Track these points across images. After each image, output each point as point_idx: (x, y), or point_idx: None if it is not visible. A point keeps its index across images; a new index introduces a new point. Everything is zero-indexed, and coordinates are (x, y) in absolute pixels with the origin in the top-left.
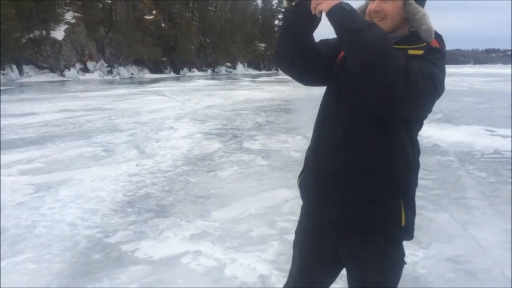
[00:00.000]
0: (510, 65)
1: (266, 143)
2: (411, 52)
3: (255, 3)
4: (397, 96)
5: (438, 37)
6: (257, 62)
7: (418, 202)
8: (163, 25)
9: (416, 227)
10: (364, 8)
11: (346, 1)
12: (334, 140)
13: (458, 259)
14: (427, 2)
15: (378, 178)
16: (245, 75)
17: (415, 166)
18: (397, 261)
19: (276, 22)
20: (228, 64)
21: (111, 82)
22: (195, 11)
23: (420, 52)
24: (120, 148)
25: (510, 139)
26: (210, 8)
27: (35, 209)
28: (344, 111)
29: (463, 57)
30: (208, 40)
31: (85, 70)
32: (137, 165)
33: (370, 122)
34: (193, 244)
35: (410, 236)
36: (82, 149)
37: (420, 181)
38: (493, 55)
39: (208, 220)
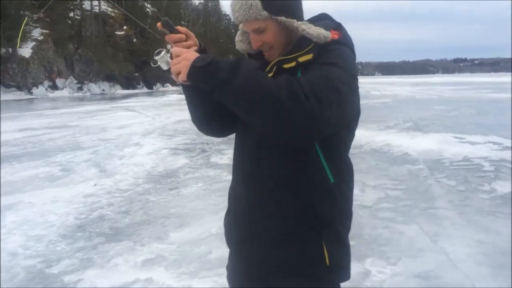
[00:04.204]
0: (477, 74)
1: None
2: (301, 59)
3: (227, 18)
4: (294, 130)
5: (337, 27)
6: None
7: (387, 213)
8: (134, 40)
9: (384, 242)
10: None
11: (201, 55)
12: (245, 175)
13: (427, 275)
14: (402, 14)
15: (294, 211)
16: None
17: (340, 191)
18: None
19: None
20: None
21: (81, 99)
22: None
23: (310, 56)
24: (79, 167)
25: (479, 146)
26: (183, 22)
27: None
28: (249, 142)
29: (432, 67)
30: None
31: (54, 87)
32: (94, 184)
33: (277, 150)
34: (145, 271)
35: (342, 276)
36: (38, 170)
37: (389, 192)
38: (461, 64)
39: (164, 242)
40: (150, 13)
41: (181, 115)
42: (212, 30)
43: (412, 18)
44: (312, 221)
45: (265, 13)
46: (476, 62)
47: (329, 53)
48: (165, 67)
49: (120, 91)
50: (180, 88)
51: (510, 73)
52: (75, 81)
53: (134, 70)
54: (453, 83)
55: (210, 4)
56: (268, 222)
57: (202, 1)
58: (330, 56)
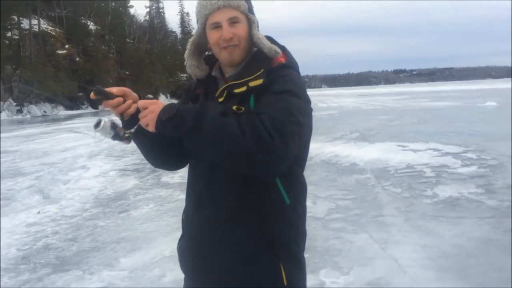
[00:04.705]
0: (416, 84)
1: (186, 175)
2: (252, 84)
3: (174, 34)
4: (262, 168)
5: (282, 50)
6: (180, 93)
7: (338, 224)
8: (77, 59)
9: (336, 252)
10: (200, 39)
11: (167, 105)
12: (198, 199)
13: (379, 281)
14: (346, 28)
15: (250, 234)
16: None
17: (296, 212)
18: None
19: None
20: (150, 96)
21: (20, 122)
22: (112, 44)
23: (260, 81)
24: (21, 195)
25: (421, 153)
26: (128, 40)
27: None
28: (202, 165)
29: (374, 78)
30: (127, 72)
31: None
32: (38, 212)
33: (230, 173)
34: None
35: None
36: None
37: (339, 202)
38: (401, 75)
39: (115, 269)
40: (93, 31)
41: None
42: (158, 47)
43: (355, 31)
44: (269, 243)
45: (246, 5)
46: (415, 72)
47: (281, 79)
48: (108, 136)
49: (63, 112)
50: None
51: (445, 82)
52: (14, 104)
53: (78, 90)
54: (395, 93)
55: (156, 21)
56: (223, 246)
57: (147, 18)
58: (283, 83)
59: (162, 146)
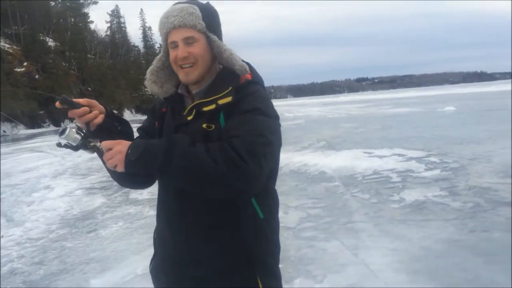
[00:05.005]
0: (378, 91)
1: (155, 191)
2: (220, 101)
3: (136, 48)
4: (238, 192)
5: (248, 65)
6: (145, 107)
7: (310, 232)
8: (37, 76)
9: (309, 261)
10: (163, 59)
11: (132, 143)
12: (171, 217)
13: None
14: (307, 40)
15: (224, 248)
16: (133, 121)
17: (270, 225)
18: None
19: None
20: (114, 111)
21: None
22: (72, 60)
23: (229, 98)
24: None
25: (386, 159)
26: (89, 55)
27: None
28: None
29: (338, 87)
30: (89, 88)
31: None
32: (1, 236)
33: None
34: None
35: None
36: None
37: (310, 211)
38: (363, 83)
39: None
40: (52, 48)
41: None
42: (121, 62)
43: (317, 42)
44: (245, 257)
45: (203, 23)
46: (376, 80)
47: (249, 97)
48: (74, 143)
49: (24, 131)
50: None
51: (406, 89)
52: None
53: (38, 108)
54: (358, 101)
55: (117, 35)
56: (198, 264)
57: (108, 33)
58: (251, 100)
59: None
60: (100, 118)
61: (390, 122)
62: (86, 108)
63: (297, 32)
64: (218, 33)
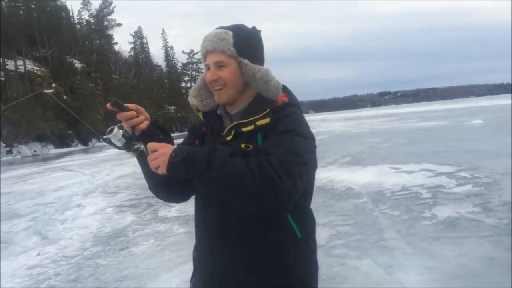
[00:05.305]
0: (402, 105)
1: (183, 208)
2: (259, 123)
3: (159, 68)
4: (272, 208)
5: (284, 88)
6: (169, 126)
7: (341, 250)
8: (65, 97)
9: (342, 279)
10: (205, 78)
11: (176, 148)
12: (211, 237)
13: None
14: (328, 56)
15: (264, 269)
16: None
17: (308, 245)
18: None
19: (183, 84)
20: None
21: (11, 163)
22: (98, 81)
23: (267, 120)
24: (18, 237)
25: (414, 174)
26: (114, 76)
27: None
28: (214, 203)
29: (360, 101)
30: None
31: None
32: (38, 254)
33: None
34: None
35: None
36: None
37: (339, 228)
38: (386, 97)
39: None
40: (79, 69)
41: (121, 170)
42: (144, 82)
43: (337, 57)
44: (283, 277)
45: (233, 49)
46: (399, 94)
47: (286, 118)
48: (118, 144)
49: (53, 150)
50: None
51: (430, 102)
52: (4, 145)
53: (67, 128)
54: (382, 115)
55: (140, 56)
56: (238, 280)
57: (132, 54)
58: (288, 122)
59: (164, 179)
60: (145, 124)
61: (416, 136)
62: (134, 113)
63: (314, 49)
64: (254, 56)
